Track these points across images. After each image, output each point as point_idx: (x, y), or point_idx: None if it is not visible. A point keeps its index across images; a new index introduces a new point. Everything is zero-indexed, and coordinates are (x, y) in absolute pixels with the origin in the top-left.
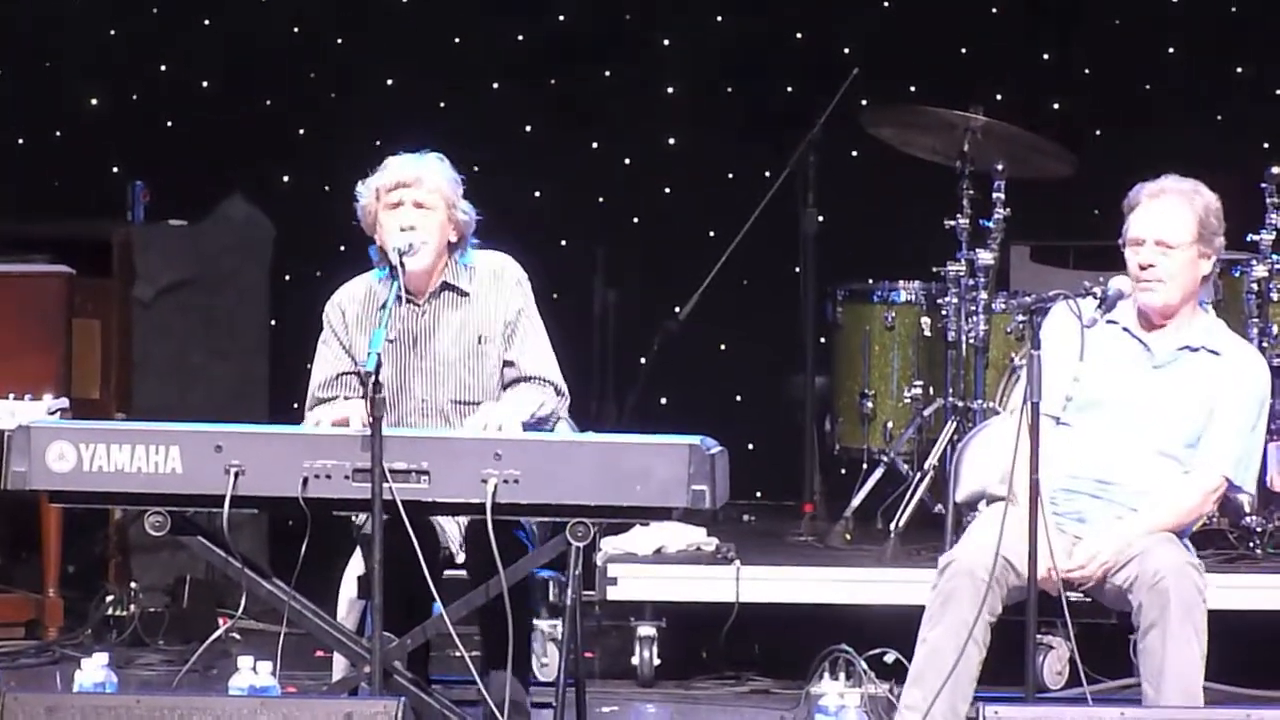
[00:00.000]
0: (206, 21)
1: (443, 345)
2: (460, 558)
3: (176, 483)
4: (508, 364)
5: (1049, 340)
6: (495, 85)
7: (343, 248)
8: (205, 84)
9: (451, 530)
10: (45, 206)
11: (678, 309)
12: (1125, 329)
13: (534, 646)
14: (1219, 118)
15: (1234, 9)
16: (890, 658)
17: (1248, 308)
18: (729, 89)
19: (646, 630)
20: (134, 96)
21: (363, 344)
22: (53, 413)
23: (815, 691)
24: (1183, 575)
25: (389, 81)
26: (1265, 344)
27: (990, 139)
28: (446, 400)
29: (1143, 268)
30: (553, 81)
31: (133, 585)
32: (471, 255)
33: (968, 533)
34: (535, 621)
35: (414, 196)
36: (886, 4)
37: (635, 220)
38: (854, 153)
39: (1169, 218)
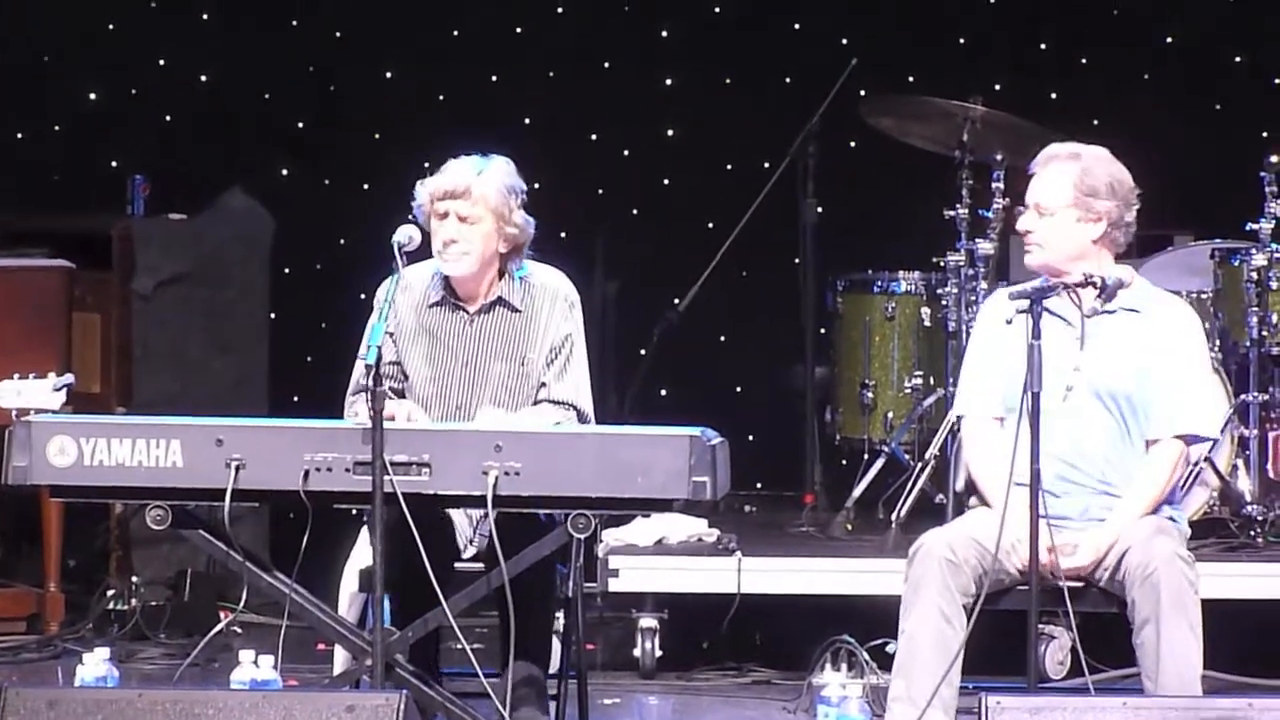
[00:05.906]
0: (204, 15)
1: (487, 358)
2: (469, 552)
3: (177, 476)
4: (542, 384)
5: (976, 341)
6: (494, 78)
7: (342, 240)
8: (204, 77)
9: (460, 523)
10: (44, 200)
11: (677, 300)
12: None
13: None
14: (1217, 106)
15: None
16: (892, 648)
17: (1247, 296)
18: (727, 80)
19: (648, 621)
20: (133, 90)
21: (408, 323)
22: (58, 389)
23: (817, 682)
24: (1171, 568)
25: (387, 74)
26: (1265, 333)
27: (989, 128)
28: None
29: (1022, 233)
30: (551, 74)
31: (134, 579)
32: (527, 267)
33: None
34: None
35: (458, 209)
36: None
37: (634, 212)
38: (853, 143)
39: (1046, 183)
